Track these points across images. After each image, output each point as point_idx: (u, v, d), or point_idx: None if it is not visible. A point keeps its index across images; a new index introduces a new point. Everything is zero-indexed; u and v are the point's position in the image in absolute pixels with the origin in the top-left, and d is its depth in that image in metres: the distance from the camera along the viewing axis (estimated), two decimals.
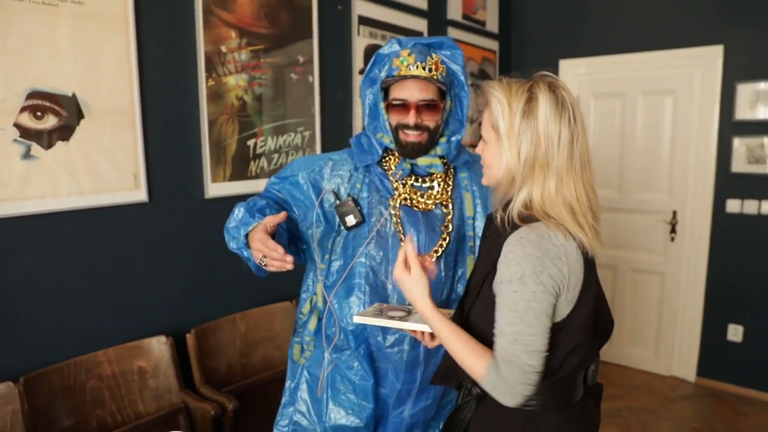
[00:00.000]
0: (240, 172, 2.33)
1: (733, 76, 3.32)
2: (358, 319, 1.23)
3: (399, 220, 1.43)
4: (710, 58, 3.36)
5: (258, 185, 2.37)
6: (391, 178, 1.45)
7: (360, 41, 2.83)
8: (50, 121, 1.77)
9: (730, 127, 3.36)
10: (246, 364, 2.37)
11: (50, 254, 1.82)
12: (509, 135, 1.04)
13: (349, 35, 2.80)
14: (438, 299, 1.44)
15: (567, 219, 1.03)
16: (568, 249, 1.02)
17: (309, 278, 1.54)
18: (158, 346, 2.04)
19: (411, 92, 1.38)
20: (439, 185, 1.47)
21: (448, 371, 1.19)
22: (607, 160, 3.81)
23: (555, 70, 3.95)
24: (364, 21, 2.85)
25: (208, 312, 2.29)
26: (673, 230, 3.60)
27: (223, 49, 2.22)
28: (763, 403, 3.37)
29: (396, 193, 1.44)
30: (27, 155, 1.73)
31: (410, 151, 1.40)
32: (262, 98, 2.39)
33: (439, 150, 1.43)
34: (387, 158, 1.47)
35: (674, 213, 3.59)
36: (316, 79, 2.62)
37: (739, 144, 3.34)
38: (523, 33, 4.13)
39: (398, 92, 1.39)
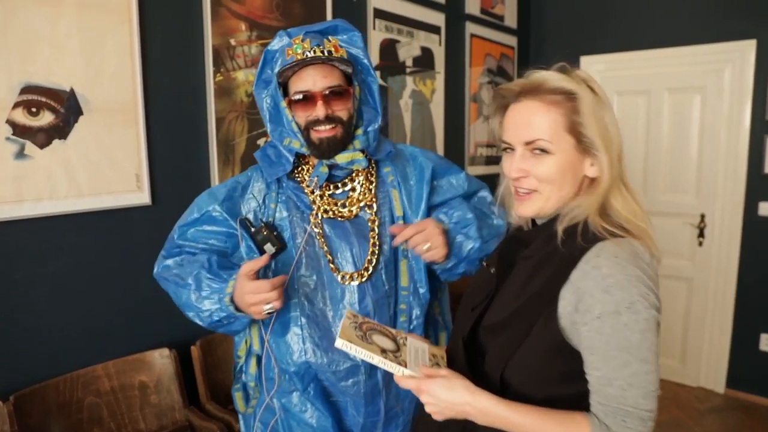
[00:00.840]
0: None
1: (766, 72, 3.15)
2: (342, 345, 0.94)
3: (322, 237, 1.25)
4: (742, 53, 3.19)
5: None
6: (306, 189, 1.27)
7: (376, 35, 2.69)
8: (46, 118, 1.64)
9: (763, 126, 3.19)
10: None
11: (46, 260, 1.70)
12: (603, 131, 0.88)
13: (365, 29, 2.66)
14: (386, 316, 1.27)
15: (643, 227, 0.89)
16: (654, 268, 0.88)
17: None
18: (161, 359, 1.91)
19: (313, 80, 1.19)
20: (360, 185, 1.29)
21: (444, 426, 0.96)
22: (631, 161, 3.64)
23: (576, 67, 3.78)
24: (379, 14, 2.71)
25: None
26: (701, 234, 3.44)
27: (233, 42, 2.09)
28: None
29: (314, 207, 1.26)
30: (21, 155, 1.60)
31: (326, 149, 1.21)
32: None
33: (357, 143, 1.25)
34: (299, 168, 1.29)
35: (702, 216, 3.42)
36: None
37: None
38: (543, 28, 3.97)
39: (298, 84, 1.20)
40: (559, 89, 0.89)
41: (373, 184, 1.31)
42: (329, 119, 1.20)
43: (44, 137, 1.64)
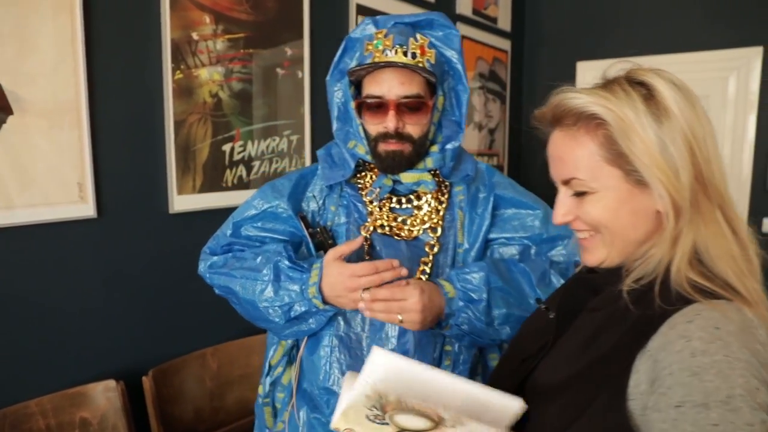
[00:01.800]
0: (213, 182, 1.98)
1: None
2: (339, 425, 0.71)
3: (369, 257, 1.09)
4: (748, 61, 3.03)
5: (234, 198, 2.01)
6: (365, 198, 1.12)
7: None
8: None
9: None
10: (218, 408, 2.01)
11: None
12: (654, 157, 0.66)
13: (346, 26, 2.45)
14: (429, 358, 1.09)
15: (754, 285, 0.66)
16: None
17: None
18: (106, 393, 1.68)
19: (389, 86, 1.03)
20: (429, 205, 1.13)
21: None
22: None
23: (572, 72, 3.61)
24: (362, 11, 2.51)
25: (172, 347, 1.93)
26: None
27: (195, 36, 1.87)
28: None
29: (370, 218, 1.11)
30: None
31: (391, 164, 1.07)
32: (242, 96, 2.04)
33: (429, 162, 1.09)
34: (363, 173, 1.14)
35: None
36: (306, 75, 2.27)
37: None
38: (538, 32, 3.79)
39: (372, 87, 1.06)
40: (581, 113, 0.69)
41: (443, 205, 1.14)
42: (399, 135, 1.05)
43: None
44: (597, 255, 0.74)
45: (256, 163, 2.12)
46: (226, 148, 2.01)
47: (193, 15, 1.86)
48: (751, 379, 0.58)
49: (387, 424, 0.69)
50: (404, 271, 1.00)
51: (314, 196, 1.17)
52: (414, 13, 1.12)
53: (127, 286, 1.80)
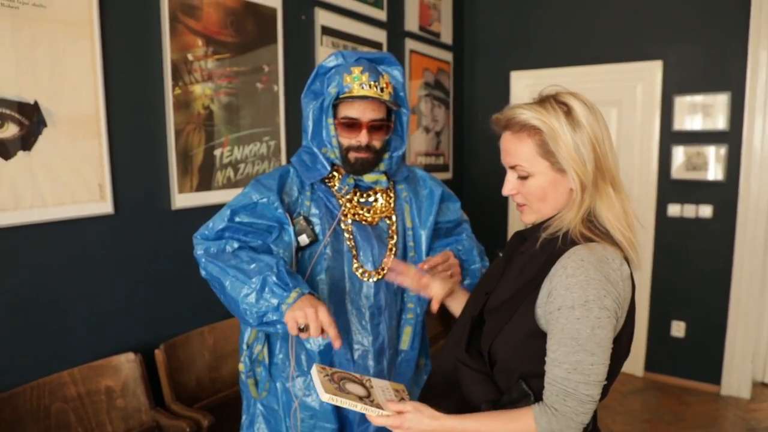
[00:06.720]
0: (206, 183, 2.29)
1: (671, 90, 3.55)
2: (329, 399, 1.02)
3: (351, 236, 1.45)
4: (650, 72, 3.58)
5: (223, 196, 2.33)
6: (336, 193, 1.47)
7: (323, 51, 2.84)
8: (11, 130, 1.68)
9: (670, 137, 3.59)
10: (215, 379, 2.31)
11: (11, 271, 1.72)
12: (571, 154, 0.99)
13: (313, 45, 2.80)
14: (395, 310, 1.48)
15: (624, 237, 1.01)
16: (624, 273, 0.99)
17: None
18: (126, 363, 1.96)
19: (363, 112, 1.39)
20: (383, 198, 1.52)
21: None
22: None
23: (507, 81, 4.09)
24: (327, 31, 2.86)
25: (176, 325, 2.22)
26: None
27: (190, 57, 2.18)
28: (704, 393, 3.60)
29: (344, 208, 1.46)
30: None
31: (359, 168, 1.43)
32: (229, 107, 2.36)
33: (382, 166, 1.48)
34: (331, 175, 1.48)
35: None
36: (281, 88, 2.60)
37: (677, 152, 3.57)
38: (476, 45, 4.25)
39: (350, 111, 1.39)
40: (525, 124, 1.03)
41: (392, 199, 1.53)
42: (367, 147, 1.40)
43: (9, 148, 1.68)
44: (529, 218, 1.11)
45: (241, 166, 2.44)
46: (217, 153, 2.32)
47: (188, 39, 2.16)
48: (601, 291, 0.94)
49: (350, 393, 1.05)
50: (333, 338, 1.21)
51: (290, 193, 1.44)
52: (371, 52, 1.49)
53: (140, 272, 2.08)
